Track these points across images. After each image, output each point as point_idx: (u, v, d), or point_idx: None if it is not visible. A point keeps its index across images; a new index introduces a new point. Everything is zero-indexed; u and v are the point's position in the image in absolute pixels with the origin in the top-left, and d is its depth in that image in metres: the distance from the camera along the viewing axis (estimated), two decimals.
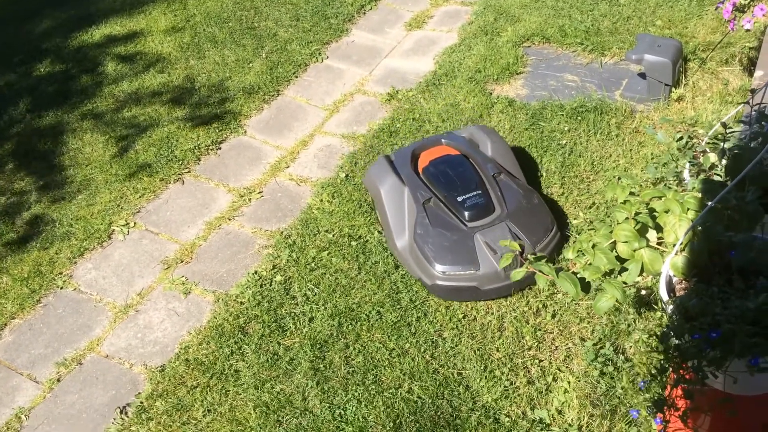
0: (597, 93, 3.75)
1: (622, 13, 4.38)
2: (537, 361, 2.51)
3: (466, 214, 2.79)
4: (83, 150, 3.83)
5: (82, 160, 3.76)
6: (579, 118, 3.56)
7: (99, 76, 4.42)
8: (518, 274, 2.23)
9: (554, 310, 2.66)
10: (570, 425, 2.28)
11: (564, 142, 3.44)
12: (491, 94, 3.88)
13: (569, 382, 2.41)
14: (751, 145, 2.14)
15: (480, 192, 2.86)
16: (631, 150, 3.33)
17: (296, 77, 4.31)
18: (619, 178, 2.88)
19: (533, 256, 2.00)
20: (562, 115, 3.60)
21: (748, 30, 2.56)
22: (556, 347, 2.55)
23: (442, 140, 3.19)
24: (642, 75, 3.69)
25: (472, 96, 3.84)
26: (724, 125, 2.13)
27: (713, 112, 3.38)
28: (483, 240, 2.70)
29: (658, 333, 1.63)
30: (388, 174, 2.99)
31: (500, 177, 2.94)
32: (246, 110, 4.03)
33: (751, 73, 3.60)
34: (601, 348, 2.46)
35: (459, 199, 2.83)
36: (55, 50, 4.74)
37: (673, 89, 3.58)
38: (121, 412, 2.56)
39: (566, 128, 3.52)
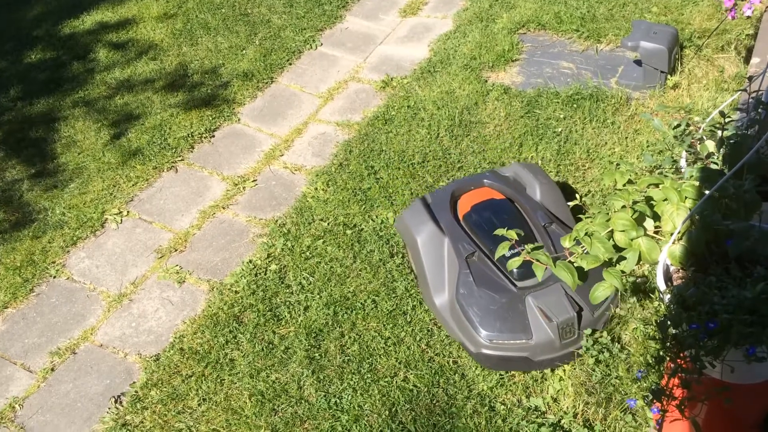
0: (593, 80, 3.73)
1: (617, 0, 4.36)
2: None
3: (516, 272, 2.47)
4: (75, 138, 3.79)
5: (75, 148, 3.72)
6: (574, 105, 3.54)
7: (90, 63, 4.38)
8: (515, 262, 2.22)
9: None
10: (565, 413, 2.28)
11: (559, 129, 3.43)
12: (486, 81, 3.86)
13: (564, 370, 2.41)
14: (748, 132, 2.14)
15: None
16: (626, 138, 3.32)
17: (290, 64, 4.27)
18: (617, 165, 2.86)
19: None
20: (558, 102, 3.58)
21: (748, 17, 2.55)
22: None
23: (484, 181, 2.85)
24: (638, 62, 3.67)
25: (468, 83, 3.82)
26: (722, 113, 2.12)
27: (709, 99, 3.37)
28: (536, 304, 2.40)
29: (655, 322, 1.63)
30: (425, 221, 2.65)
31: (552, 228, 2.61)
32: (239, 98, 4.00)
33: (746, 60, 3.59)
34: (597, 336, 2.46)
35: (507, 254, 2.50)
36: (45, 37, 4.69)
37: (669, 76, 3.57)
38: (115, 402, 2.55)
39: (562, 116, 3.50)
